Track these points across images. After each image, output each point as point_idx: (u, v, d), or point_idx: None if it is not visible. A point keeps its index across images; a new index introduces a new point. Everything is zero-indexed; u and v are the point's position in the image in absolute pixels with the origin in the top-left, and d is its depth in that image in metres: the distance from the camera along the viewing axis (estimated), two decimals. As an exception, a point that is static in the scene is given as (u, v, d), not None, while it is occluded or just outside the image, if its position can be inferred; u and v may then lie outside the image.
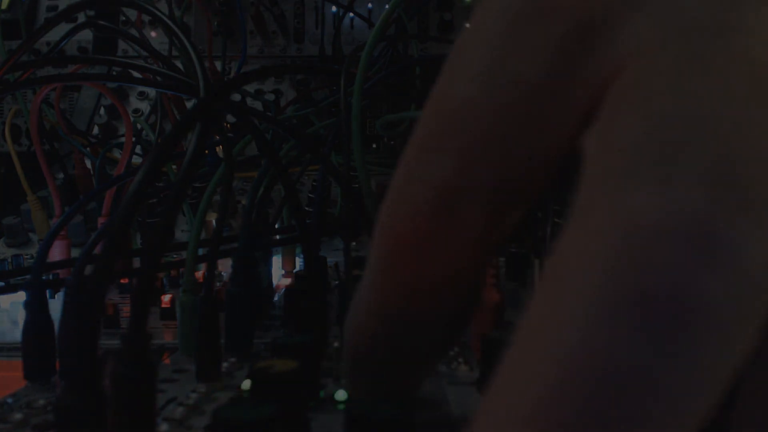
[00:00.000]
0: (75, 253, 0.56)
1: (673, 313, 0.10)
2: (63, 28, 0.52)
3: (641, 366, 0.10)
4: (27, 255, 0.64)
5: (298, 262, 0.55)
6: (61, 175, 0.69)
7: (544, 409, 0.10)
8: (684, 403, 0.10)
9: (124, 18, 0.84)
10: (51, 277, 0.40)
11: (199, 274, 0.39)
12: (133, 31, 0.77)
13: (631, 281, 0.10)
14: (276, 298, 0.45)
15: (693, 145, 0.11)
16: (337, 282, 0.45)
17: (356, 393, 0.19)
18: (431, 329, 0.17)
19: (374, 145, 0.79)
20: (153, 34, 0.87)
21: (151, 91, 0.85)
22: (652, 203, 0.11)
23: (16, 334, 0.40)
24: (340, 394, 0.26)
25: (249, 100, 0.79)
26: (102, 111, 0.84)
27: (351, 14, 0.88)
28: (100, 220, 0.55)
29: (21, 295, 0.34)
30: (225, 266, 0.49)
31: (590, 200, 0.11)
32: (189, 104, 0.74)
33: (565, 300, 0.11)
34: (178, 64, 0.62)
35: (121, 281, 0.50)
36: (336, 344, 0.32)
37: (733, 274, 0.10)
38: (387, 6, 0.41)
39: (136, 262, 0.50)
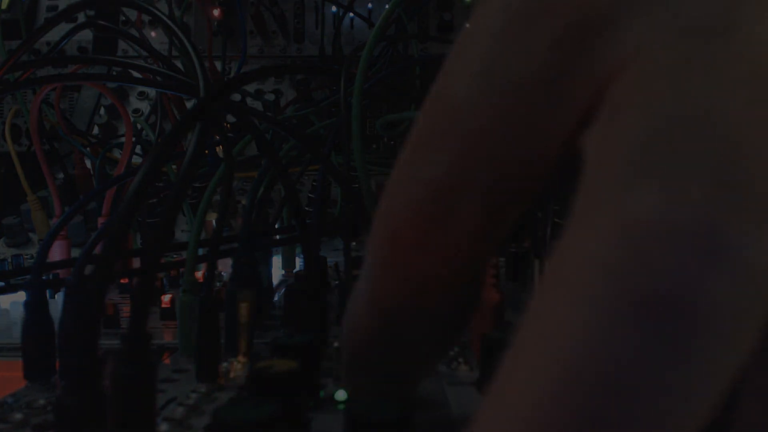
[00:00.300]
0: (75, 253, 0.56)
1: (674, 314, 0.10)
2: (63, 28, 0.52)
3: (643, 366, 0.10)
4: (27, 255, 0.64)
5: (298, 262, 0.55)
6: (61, 175, 0.68)
7: (545, 410, 0.10)
8: (686, 404, 0.10)
9: (124, 18, 0.84)
10: (51, 277, 0.40)
11: (199, 274, 0.39)
12: (133, 31, 0.77)
13: (632, 282, 0.10)
14: (276, 298, 0.45)
15: (695, 146, 0.11)
16: (337, 282, 0.45)
17: (354, 391, 0.19)
18: (429, 328, 0.17)
19: (374, 145, 0.79)
20: (153, 34, 0.87)
21: (151, 91, 0.85)
22: (654, 203, 0.11)
23: (16, 334, 0.40)
24: (340, 394, 0.26)
25: (249, 100, 0.79)
26: (102, 111, 0.84)
27: (351, 14, 0.87)
28: (100, 220, 0.55)
29: (21, 295, 0.34)
30: (225, 266, 0.49)
31: (591, 201, 0.11)
32: (189, 104, 0.74)
33: (566, 300, 0.11)
34: (178, 64, 0.62)
35: (121, 281, 0.50)
36: (336, 344, 0.32)
37: (735, 275, 0.10)
38: (387, 6, 0.41)
39: (136, 262, 0.50)
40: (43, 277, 0.34)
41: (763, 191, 0.11)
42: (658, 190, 0.11)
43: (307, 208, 0.63)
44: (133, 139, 0.58)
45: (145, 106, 0.85)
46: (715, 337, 0.10)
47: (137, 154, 0.67)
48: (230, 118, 0.62)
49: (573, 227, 0.12)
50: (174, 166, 0.56)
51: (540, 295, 0.11)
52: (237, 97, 0.76)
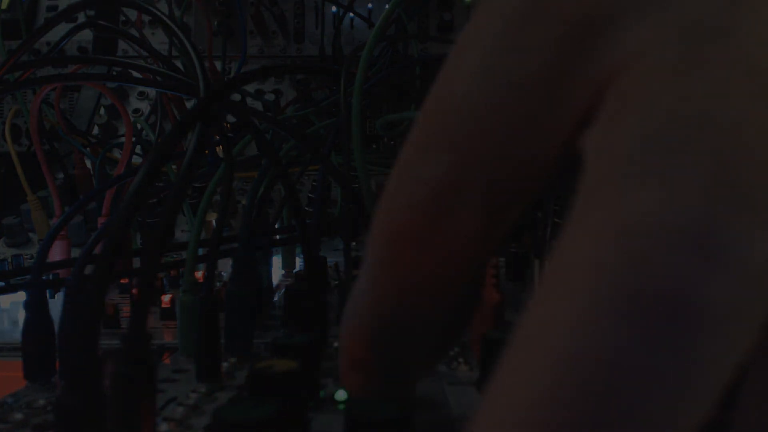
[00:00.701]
0: (75, 253, 0.56)
1: (672, 314, 0.10)
2: (63, 28, 0.52)
3: (641, 366, 0.10)
4: (27, 255, 0.64)
5: (298, 262, 0.55)
6: (61, 175, 0.68)
7: (543, 411, 0.10)
8: (683, 404, 0.10)
9: (124, 18, 0.84)
10: (51, 277, 0.40)
11: (199, 274, 0.39)
12: (133, 31, 0.77)
13: (630, 282, 0.10)
14: (276, 298, 0.45)
15: (693, 146, 0.11)
16: (337, 282, 0.45)
17: (351, 390, 0.19)
18: (427, 327, 0.17)
19: (374, 145, 0.79)
20: (152, 34, 0.87)
21: (151, 91, 0.85)
22: (652, 203, 0.11)
23: (16, 334, 0.40)
24: (340, 394, 0.26)
25: (249, 100, 0.79)
26: (102, 111, 0.84)
27: (351, 14, 0.88)
28: (100, 220, 0.55)
29: (21, 295, 0.34)
30: (225, 266, 0.49)
31: (590, 201, 0.11)
32: (189, 104, 0.74)
33: (564, 300, 0.11)
34: (178, 64, 0.62)
35: (121, 281, 0.50)
36: (336, 344, 0.32)
37: (732, 274, 0.10)
38: (387, 6, 0.41)
39: (136, 262, 0.50)
40: (43, 277, 0.34)
41: (762, 191, 0.11)
42: (657, 190, 0.11)
43: (307, 208, 0.63)
44: (133, 139, 0.58)
45: (145, 106, 0.85)
46: (714, 337, 0.10)
47: (137, 154, 0.67)
48: (230, 118, 0.62)
49: (572, 227, 0.12)
50: (174, 166, 0.56)
51: (539, 294, 0.11)
52: (237, 97, 0.76)
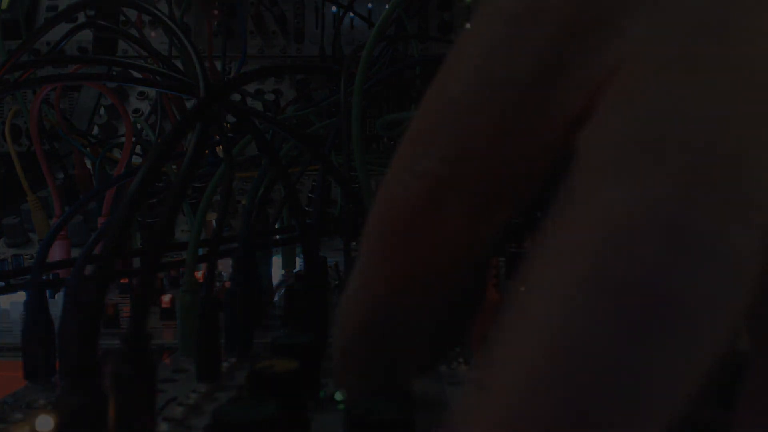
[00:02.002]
0: (75, 253, 0.56)
1: (646, 305, 0.10)
2: (63, 28, 0.52)
3: (618, 356, 0.10)
4: (27, 255, 0.64)
5: (298, 262, 0.55)
6: (61, 175, 0.68)
7: (522, 411, 0.10)
8: (660, 395, 0.10)
9: (124, 18, 0.84)
10: (51, 277, 0.40)
11: (199, 274, 0.39)
12: (133, 31, 0.77)
13: (606, 275, 0.11)
14: (276, 298, 0.45)
15: (671, 142, 0.11)
16: (337, 282, 0.45)
17: (344, 387, 0.19)
18: (421, 324, 0.17)
19: (374, 145, 0.79)
20: (152, 34, 0.87)
21: (151, 91, 0.85)
22: (627, 197, 0.11)
23: (16, 334, 0.40)
24: (340, 394, 0.26)
25: (249, 100, 0.79)
26: (102, 111, 0.84)
27: (351, 14, 0.88)
28: (100, 220, 0.55)
29: (21, 295, 0.34)
30: (225, 266, 0.49)
31: (571, 194, 0.12)
32: (189, 104, 0.74)
33: (541, 296, 0.11)
34: (178, 64, 0.62)
35: (121, 281, 0.50)
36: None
37: (706, 266, 0.10)
38: (387, 6, 0.41)
39: (136, 262, 0.50)
40: (43, 277, 0.34)
41: (736, 186, 0.11)
42: (633, 185, 0.11)
43: (307, 208, 0.63)
44: (133, 139, 0.58)
45: (145, 106, 0.85)
46: (687, 328, 0.10)
47: (137, 154, 0.67)
48: (230, 118, 0.62)
49: (552, 221, 0.12)
50: (174, 166, 0.56)
51: (522, 289, 0.12)
52: (237, 97, 0.76)
